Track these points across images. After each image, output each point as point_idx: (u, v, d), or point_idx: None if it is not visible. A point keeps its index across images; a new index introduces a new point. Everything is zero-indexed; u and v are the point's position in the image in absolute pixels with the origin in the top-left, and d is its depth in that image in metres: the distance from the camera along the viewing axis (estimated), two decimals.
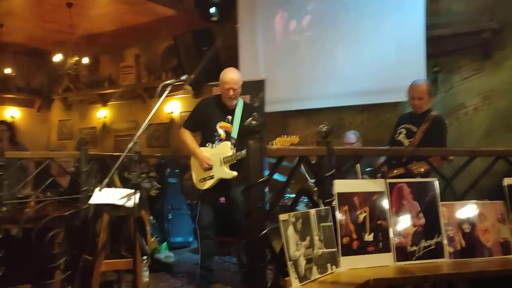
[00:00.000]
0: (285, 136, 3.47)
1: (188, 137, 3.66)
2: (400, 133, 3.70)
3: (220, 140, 3.61)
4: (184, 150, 3.71)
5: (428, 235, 2.33)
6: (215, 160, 3.55)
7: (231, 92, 3.56)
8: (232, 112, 3.64)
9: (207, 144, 3.63)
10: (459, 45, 4.95)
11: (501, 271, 2.24)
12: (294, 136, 3.50)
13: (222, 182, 3.55)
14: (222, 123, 3.63)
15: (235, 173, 3.48)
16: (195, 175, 3.66)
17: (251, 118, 1.83)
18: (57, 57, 7.04)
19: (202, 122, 3.66)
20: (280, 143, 3.47)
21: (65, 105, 8.82)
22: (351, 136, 4.88)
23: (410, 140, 3.60)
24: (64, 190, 4.10)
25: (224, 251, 4.85)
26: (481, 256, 2.38)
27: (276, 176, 3.98)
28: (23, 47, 7.96)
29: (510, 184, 2.53)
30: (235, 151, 3.53)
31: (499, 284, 2.35)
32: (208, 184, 3.57)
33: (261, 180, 1.78)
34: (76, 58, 7.01)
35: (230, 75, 3.60)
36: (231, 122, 3.64)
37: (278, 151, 1.91)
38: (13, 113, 8.60)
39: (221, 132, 3.63)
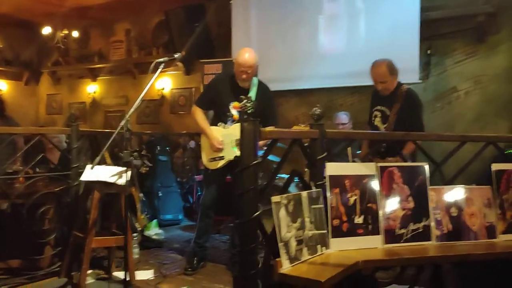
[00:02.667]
0: (300, 124, 3.48)
1: (199, 116, 3.60)
2: (375, 117, 3.62)
3: (233, 121, 3.53)
4: (196, 128, 3.67)
5: (416, 218, 2.37)
6: (227, 141, 3.49)
7: (244, 76, 3.46)
8: (246, 92, 3.49)
9: (218, 124, 3.56)
10: (453, 28, 4.94)
11: (486, 254, 2.29)
12: (304, 125, 3.55)
13: (231, 163, 3.49)
14: (236, 103, 3.48)
15: None
16: (205, 154, 3.59)
17: (244, 100, 1.82)
18: (46, 30, 6.89)
19: (214, 101, 3.58)
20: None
21: (53, 79, 8.68)
22: (343, 117, 4.89)
23: (385, 125, 3.51)
24: (54, 166, 4.07)
25: (215, 228, 4.88)
26: (467, 239, 2.43)
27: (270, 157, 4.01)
28: (11, 19, 7.76)
29: (498, 169, 2.57)
30: None
31: (483, 266, 2.42)
32: (218, 164, 3.52)
33: (254, 162, 1.79)
34: (66, 32, 6.87)
35: (245, 57, 3.46)
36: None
37: (271, 133, 1.91)
38: (0, 85, 8.45)
39: (234, 112, 3.52)
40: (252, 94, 3.53)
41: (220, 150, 3.49)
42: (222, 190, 3.67)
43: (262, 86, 3.63)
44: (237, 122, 3.41)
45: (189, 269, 3.59)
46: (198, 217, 3.75)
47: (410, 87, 3.65)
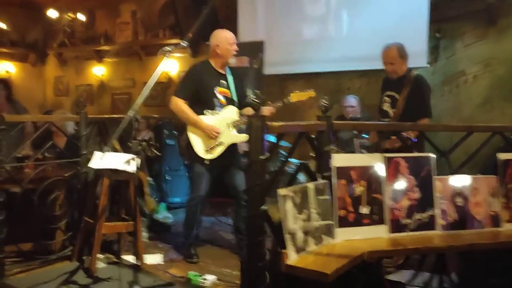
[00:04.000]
0: (297, 91, 3.55)
1: (185, 107, 3.48)
2: (385, 102, 3.70)
3: (221, 106, 3.54)
4: (183, 120, 3.52)
5: (422, 208, 2.39)
6: (222, 126, 3.47)
7: (236, 47, 3.54)
8: (224, 76, 3.58)
9: (205, 112, 3.50)
10: (463, 11, 4.86)
11: (491, 244, 2.32)
12: (311, 90, 3.58)
13: (230, 147, 3.51)
14: (220, 88, 3.55)
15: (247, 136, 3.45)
16: (200, 145, 3.49)
17: (251, 95, 1.83)
18: (52, 13, 6.86)
19: (198, 89, 3.51)
20: (295, 98, 3.53)
21: (60, 61, 8.67)
22: (352, 100, 4.90)
23: (394, 109, 3.59)
24: (61, 151, 4.13)
25: (221, 211, 4.96)
26: (471, 228, 2.45)
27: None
28: (16, 0, 7.74)
29: (504, 159, 2.58)
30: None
31: (487, 253, 2.45)
32: (218, 151, 3.48)
33: (262, 157, 1.81)
34: (72, 15, 6.83)
35: (230, 33, 3.57)
36: (227, 87, 3.59)
37: (279, 128, 1.93)
38: (7, 67, 8.47)
39: (220, 97, 3.54)
40: (230, 78, 3.60)
41: (217, 136, 3.46)
42: (221, 176, 3.63)
43: (232, 68, 3.67)
44: (226, 105, 3.51)
45: (195, 257, 3.59)
46: (191, 210, 3.66)
47: (419, 73, 3.67)
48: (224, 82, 3.58)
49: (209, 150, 3.49)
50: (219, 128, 3.47)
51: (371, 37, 5.05)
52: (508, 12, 4.69)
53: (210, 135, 3.45)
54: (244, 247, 3.70)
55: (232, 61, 3.59)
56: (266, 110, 3.39)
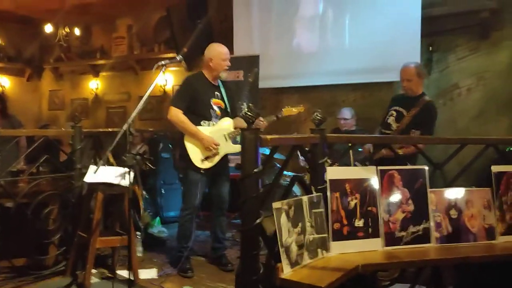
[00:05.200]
0: (288, 106, 3.73)
1: (184, 118, 3.50)
2: (390, 115, 3.74)
3: (217, 117, 3.60)
4: (182, 130, 3.52)
5: (416, 221, 2.39)
6: (218, 136, 3.53)
7: (228, 63, 3.61)
8: (217, 88, 3.68)
9: (202, 122, 3.55)
10: (456, 25, 4.93)
11: (486, 257, 2.31)
12: (300, 106, 3.77)
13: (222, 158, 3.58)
14: (214, 100, 3.63)
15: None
16: (197, 155, 3.51)
17: (246, 108, 1.84)
18: (48, 28, 6.90)
19: (195, 100, 3.56)
20: (287, 112, 3.69)
21: (55, 75, 8.71)
22: (347, 113, 4.92)
23: (398, 124, 3.64)
24: (56, 165, 4.09)
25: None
26: (466, 241, 2.45)
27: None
28: (12, 15, 7.77)
29: (498, 171, 2.59)
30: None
31: (483, 266, 2.45)
32: (214, 161, 3.53)
33: (256, 170, 1.81)
34: (67, 30, 6.88)
35: (224, 47, 3.65)
36: (221, 99, 3.67)
37: (273, 140, 1.93)
38: (2, 81, 8.48)
39: (216, 108, 3.61)
40: (222, 90, 3.69)
41: (216, 148, 3.50)
42: (209, 185, 3.69)
43: (224, 82, 3.75)
44: (220, 116, 3.59)
45: (190, 272, 3.56)
46: (185, 221, 3.63)
47: (432, 100, 3.78)
48: (218, 93, 3.67)
49: (205, 160, 3.53)
50: (217, 140, 3.52)
51: (365, 51, 5.11)
52: (501, 25, 4.75)
53: (209, 147, 3.48)
54: (224, 256, 3.75)
55: (224, 75, 3.67)
56: (260, 124, 3.44)
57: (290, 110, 3.69)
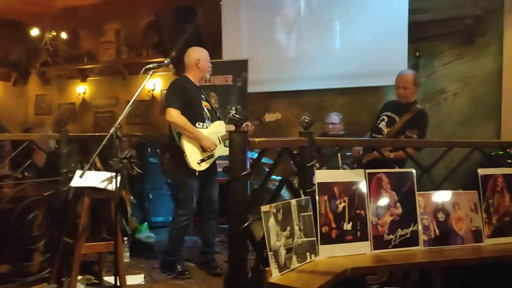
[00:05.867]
0: (270, 113, 3.85)
1: (184, 118, 3.44)
2: (382, 120, 3.76)
3: (208, 118, 3.63)
4: (182, 131, 3.47)
5: (404, 224, 2.40)
6: (214, 138, 3.55)
7: (211, 64, 3.69)
8: (202, 91, 3.72)
9: (196, 124, 3.52)
10: (441, 31, 4.99)
11: (473, 259, 2.33)
12: (277, 113, 3.88)
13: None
14: (203, 102, 3.66)
15: None
16: (193, 156, 3.47)
17: (234, 111, 1.83)
18: (35, 32, 6.82)
19: (188, 101, 3.52)
20: (268, 118, 3.79)
21: (42, 80, 8.61)
22: (335, 117, 4.94)
23: (389, 129, 3.67)
24: (41, 169, 4.05)
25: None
26: (454, 244, 2.47)
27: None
28: None
29: (484, 174, 2.61)
30: None
31: (470, 268, 2.46)
32: (208, 164, 3.54)
33: (244, 173, 1.80)
34: (54, 33, 6.81)
35: (206, 52, 3.70)
36: (207, 101, 3.72)
37: (261, 143, 1.92)
38: None
39: (206, 110, 3.65)
40: (204, 93, 3.74)
41: (214, 149, 3.52)
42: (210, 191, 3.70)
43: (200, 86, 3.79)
44: (208, 118, 3.61)
45: (187, 273, 3.59)
46: (181, 227, 3.63)
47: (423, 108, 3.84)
48: (203, 96, 3.70)
49: (201, 162, 3.51)
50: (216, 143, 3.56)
51: (352, 56, 5.14)
52: (484, 32, 4.81)
53: (209, 147, 3.47)
54: (213, 260, 3.73)
55: (208, 76, 3.75)
56: (248, 127, 3.50)
57: (271, 116, 3.81)
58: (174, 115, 3.43)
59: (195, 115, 3.53)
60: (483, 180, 2.60)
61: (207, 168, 3.55)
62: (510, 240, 2.57)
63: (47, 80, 8.62)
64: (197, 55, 3.64)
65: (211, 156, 3.55)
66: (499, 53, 4.72)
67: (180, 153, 3.46)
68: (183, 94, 3.53)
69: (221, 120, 3.74)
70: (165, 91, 7.09)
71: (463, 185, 2.73)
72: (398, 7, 4.89)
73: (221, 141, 3.61)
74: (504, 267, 2.42)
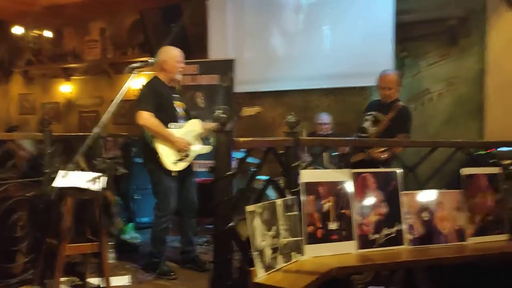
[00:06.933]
0: (246, 107, 3.79)
1: (156, 121, 3.45)
2: (366, 120, 3.79)
3: (182, 118, 3.63)
4: (154, 134, 3.48)
5: (389, 223, 2.41)
6: (189, 138, 3.56)
7: (182, 65, 3.64)
8: (174, 90, 3.70)
9: (169, 125, 3.52)
10: (426, 31, 5.05)
11: (456, 258, 2.35)
12: (256, 107, 3.84)
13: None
14: (177, 102, 3.65)
15: (210, 147, 3.52)
16: (168, 157, 3.48)
17: (219, 111, 1.82)
18: (18, 30, 6.72)
19: (160, 102, 3.53)
20: (246, 112, 3.73)
21: (26, 79, 8.49)
22: (325, 117, 4.99)
23: (374, 128, 3.70)
24: (23, 172, 3.98)
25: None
26: (437, 242, 2.48)
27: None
28: None
29: (467, 174, 2.64)
30: None
31: (454, 267, 2.49)
32: (186, 163, 3.54)
33: (228, 173, 1.79)
34: (38, 32, 6.72)
35: (178, 50, 3.64)
36: (181, 100, 3.71)
37: (246, 143, 1.92)
38: None
39: (179, 110, 3.64)
40: (178, 93, 3.73)
41: (188, 149, 3.52)
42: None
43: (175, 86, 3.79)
44: (182, 117, 3.61)
45: (172, 274, 3.58)
46: (162, 227, 3.63)
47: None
48: (176, 95, 3.69)
49: (177, 162, 3.51)
50: (190, 143, 3.54)
51: (338, 56, 5.17)
52: (468, 33, 4.88)
53: (182, 148, 3.48)
54: (197, 257, 3.72)
55: (179, 77, 3.69)
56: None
57: (249, 111, 3.73)
58: (146, 117, 3.44)
59: (167, 116, 3.53)
60: (466, 180, 2.62)
61: (184, 169, 3.55)
62: (492, 238, 2.59)
63: (31, 79, 8.50)
64: (164, 56, 3.61)
65: (187, 156, 3.56)
66: (482, 53, 4.79)
67: (155, 154, 3.47)
68: (154, 96, 3.52)
69: (196, 118, 3.74)
70: (137, 91, 7.05)
71: (448, 184, 2.76)
72: (384, 8, 4.94)
73: (197, 139, 3.61)
74: (486, 266, 2.45)
